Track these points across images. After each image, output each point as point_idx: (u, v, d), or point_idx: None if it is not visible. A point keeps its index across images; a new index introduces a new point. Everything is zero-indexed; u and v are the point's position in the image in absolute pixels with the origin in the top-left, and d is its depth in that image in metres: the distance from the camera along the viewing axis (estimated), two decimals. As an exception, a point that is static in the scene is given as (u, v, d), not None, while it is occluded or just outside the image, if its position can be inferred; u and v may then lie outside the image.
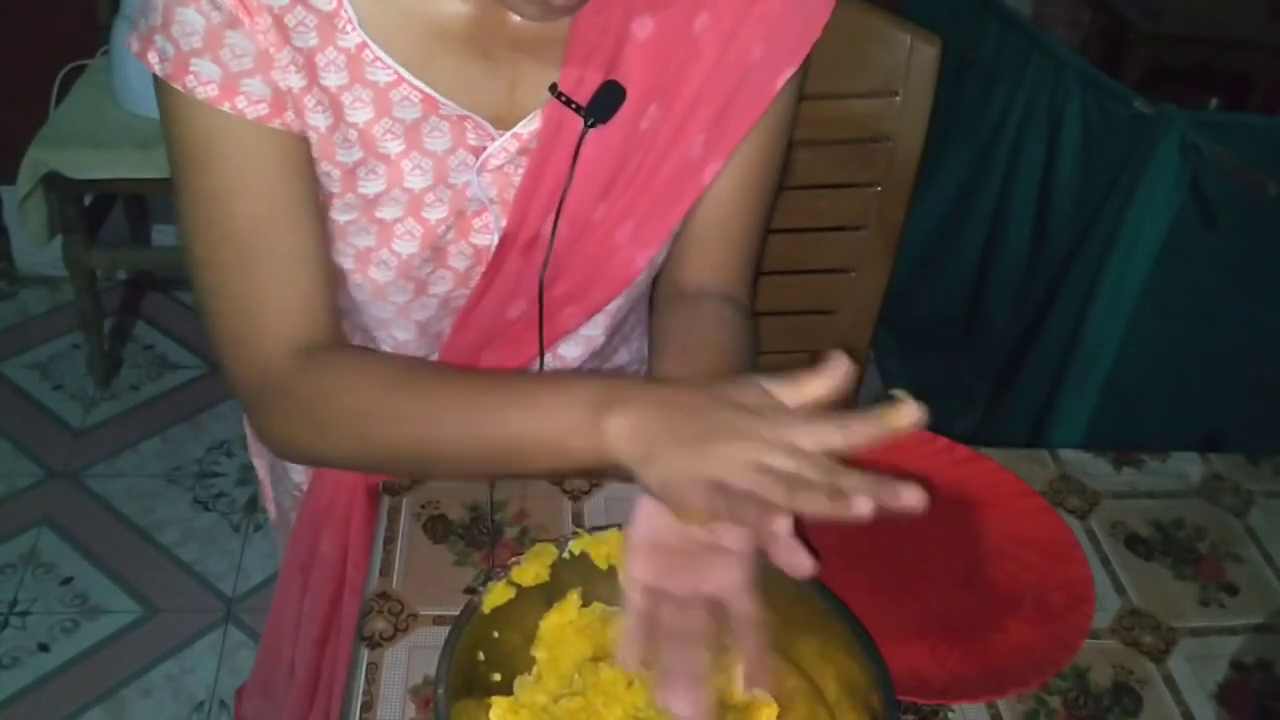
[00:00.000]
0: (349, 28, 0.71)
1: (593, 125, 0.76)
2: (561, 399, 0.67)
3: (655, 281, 0.92)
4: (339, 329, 0.80)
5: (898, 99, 1.19)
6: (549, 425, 0.67)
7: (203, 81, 0.69)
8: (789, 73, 0.81)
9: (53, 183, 1.88)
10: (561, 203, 0.78)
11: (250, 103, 0.70)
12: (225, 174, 0.72)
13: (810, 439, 0.59)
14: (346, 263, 0.79)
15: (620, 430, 0.63)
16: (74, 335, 2.28)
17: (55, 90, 2.08)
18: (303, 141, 0.74)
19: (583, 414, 0.65)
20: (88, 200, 2.06)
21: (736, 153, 0.83)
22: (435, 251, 0.79)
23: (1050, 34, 1.81)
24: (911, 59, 1.17)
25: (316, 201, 0.76)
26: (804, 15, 0.80)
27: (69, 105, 1.97)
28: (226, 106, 0.70)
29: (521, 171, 0.79)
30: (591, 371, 0.67)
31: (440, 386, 0.72)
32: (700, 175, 0.82)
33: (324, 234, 0.77)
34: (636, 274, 0.84)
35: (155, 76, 0.71)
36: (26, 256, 2.41)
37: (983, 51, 1.86)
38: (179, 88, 0.69)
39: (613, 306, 0.87)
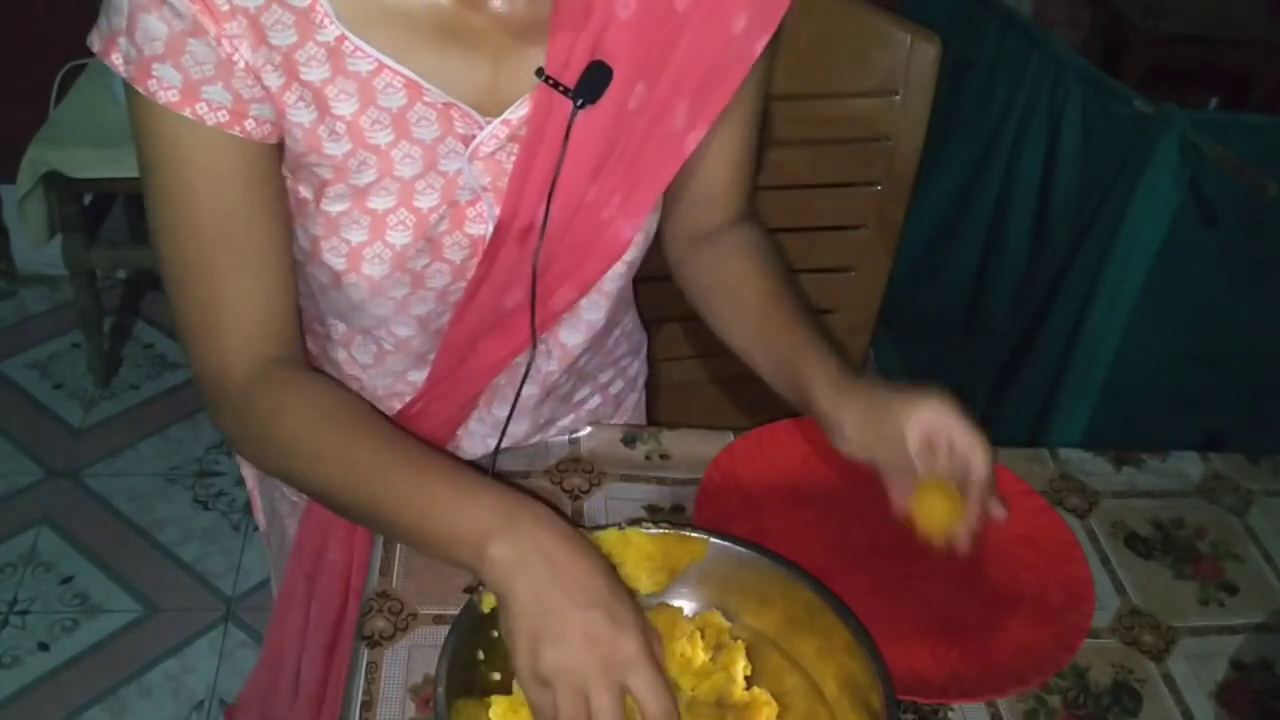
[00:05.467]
0: (326, 22, 0.71)
1: (582, 106, 0.77)
2: (459, 514, 0.69)
3: (661, 248, 0.94)
4: (299, 340, 0.81)
5: (898, 98, 1.19)
6: (441, 532, 0.69)
7: (164, 87, 0.70)
8: (766, 39, 0.83)
9: (52, 182, 1.88)
10: (554, 186, 0.79)
11: (211, 109, 0.71)
12: (188, 176, 0.73)
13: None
14: (338, 263, 0.79)
15: (497, 563, 0.66)
16: (74, 335, 2.28)
17: (55, 89, 2.08)
18: (265, 148, 0.75)
19: (470, 534, 0.67)
20: (87, 199, 2.06)
21: (733, 114, 0.86)
22: (429, 242, 0.79)
23: (1050, 34, 1.81)
24: (911, 59, 1.17)
25: (280, 208, 0.77)
26: None
27: (69, 104, 1.97)
28: (187, 112, 0.71)
29: (513, 158, 0.79)
30: (501, 487, 0.68)
31: (365, 447, 0.74)
32: (683, 144, 0.84)
33: (285, 240, 0.78)
34: (626, 245, 0.85)
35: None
36: (26, 256, 2.41)
37: (983, 51, 1.86)
38: (142, 91, 0.70)
39: (609, 285, 0.87)
